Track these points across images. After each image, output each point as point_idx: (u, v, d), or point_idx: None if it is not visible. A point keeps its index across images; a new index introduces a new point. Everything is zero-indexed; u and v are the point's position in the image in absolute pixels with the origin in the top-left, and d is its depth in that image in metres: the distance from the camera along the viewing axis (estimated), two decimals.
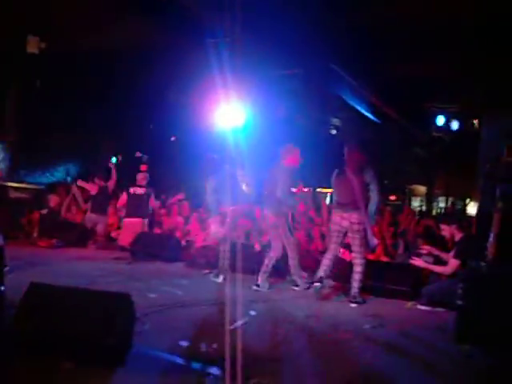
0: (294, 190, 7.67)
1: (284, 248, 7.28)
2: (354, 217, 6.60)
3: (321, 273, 6.83)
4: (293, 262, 7.29)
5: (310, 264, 7.92)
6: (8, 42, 9.72)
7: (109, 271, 7.90)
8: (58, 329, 4.00)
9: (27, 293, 4.20)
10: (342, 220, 6.71)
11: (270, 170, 7.52)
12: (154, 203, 10.21)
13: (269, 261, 7.32)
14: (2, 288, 2.57)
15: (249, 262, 8.18)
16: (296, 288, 7.29)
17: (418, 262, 7.09)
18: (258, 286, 7.23)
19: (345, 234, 6.80)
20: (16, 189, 3.93)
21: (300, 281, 7.31)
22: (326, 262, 6.87)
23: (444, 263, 6.81)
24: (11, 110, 11.92)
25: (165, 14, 8.25)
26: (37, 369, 3.70)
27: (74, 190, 10.78)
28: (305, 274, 7.42)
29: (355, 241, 6.69)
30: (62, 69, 11.05)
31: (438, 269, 6.88)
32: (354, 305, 6.59)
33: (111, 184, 10.80)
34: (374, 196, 6.59)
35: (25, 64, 10.58)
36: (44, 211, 9.59)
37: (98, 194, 10.67)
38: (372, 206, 6.61)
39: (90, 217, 10.52)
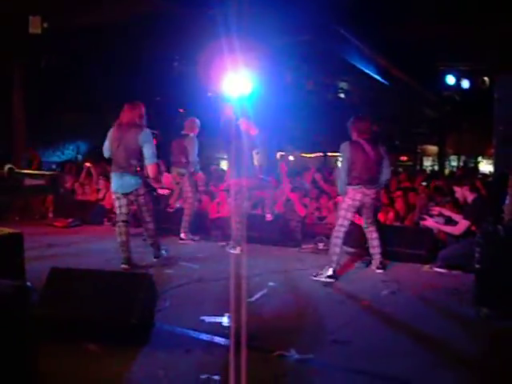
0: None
1: None
2: (373, 191, 6.46)
3: (333, 262, 6.44)
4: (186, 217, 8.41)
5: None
6: (10, 24, 9.64)
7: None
8: (80, 312, 4.07)
9: (49, 278, 4.26)
10: (365, 197, 6.41)
11: None
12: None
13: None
14: (28, 284, 2.59)
15: (261, 232, 8.29)
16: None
17: (428, 222, 7.12)
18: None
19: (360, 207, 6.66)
20: (31, 175, 3.94)
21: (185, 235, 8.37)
22: (338, 241, 6.44)
23: (455, 224, 6.81)
24: (18, 91, 11.90)
25: None
26: (63, 352, 3.76)
27: (89, 167, 10.81)
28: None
29: (370, 213, 6.64)
30: (66, 47, 11.00)
31: (447, 229, 6.90)
32: (380, 271, 6.62)
33: None
34: (386, 172, 6.53)
35: (28, 44, 10.51)
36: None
37: None
38: (382, 182, 6.61)
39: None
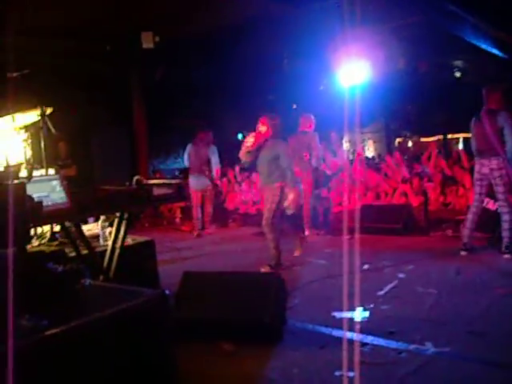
0: None
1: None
2: (494, 163, 6.30)
3: (464, 237, 6.66)
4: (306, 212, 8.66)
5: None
6: (124, 41, 10.12)
7: (252, 248, 8.09)
8: (214, 313, 4.19)
9: (182, 282, 4.43)
10: (482, 167, 6.45)
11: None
12: None
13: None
14: (167, 291, 2.71)
15: (385, 222, 8.18)
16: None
17: None
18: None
19: (488, 183, 6.49)
20: (158, 185, 4.13)
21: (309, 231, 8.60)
22: (470, 216, 6.62)
23: None
24: (137, 105, 12.47)
25: None
26: (200, 353, 3.89)
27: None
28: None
29: (498, 188, 6.38)
30: (178, 57, 11.38)
31: None
32: (506, 255, 6.31)
33: None
34: (508, 140, 6.23)
35: (142, 59, 10.99)
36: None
37: None
38: (509, 151, 6.26)
39: None
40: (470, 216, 6.62)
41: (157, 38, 9.88)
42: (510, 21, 10.68)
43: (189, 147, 9.76)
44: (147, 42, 9.85)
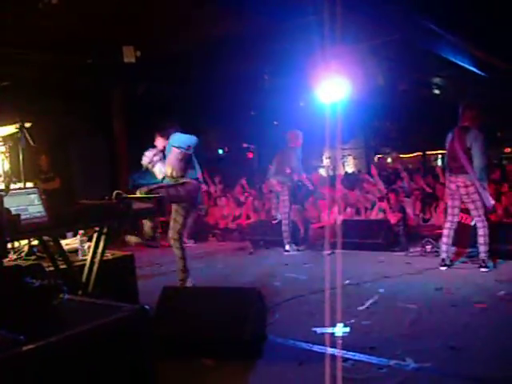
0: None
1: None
2: (460, 180, 6.43)
3: (443, 253, 6.75)
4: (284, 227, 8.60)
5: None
6: (106, 55, 10.08)
7: (232, 263, 8.08)
8: (194, 328, 4.15)
9: (161, 297, 4.39)
10: (450, 183, 6.59)
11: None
12: None
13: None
14: (146, 306, 2.68)
15: (364, 237, 8.21)
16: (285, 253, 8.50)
17: None
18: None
19: (460, 198, 6.56)
20: (138, 199, 4.08)
21: (289, 246, 8.57)
22: (446, 231, 6.70)
23: None
24: (117, 119, 12.41)
25: (253, 1, 8.21)
26: (179, 369, 3.84)
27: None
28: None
29: (469, 205, 6.49)
30: (159, 73, 11.36)
31: None
32: (483, 269, 6.37)
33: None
34: (475, 158, 6.32)
35: (124, 73, 10.95)
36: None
37: None
38: (476, 169, 6.34)
39: None
40: (445, 231, 6.71)
41: (138, 53, 9.84)
42: (488, 40, 10.85)
43: None
44: (128, 56, 9.80)
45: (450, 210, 6.70)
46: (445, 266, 6.65)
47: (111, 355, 2.47)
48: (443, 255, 6.71)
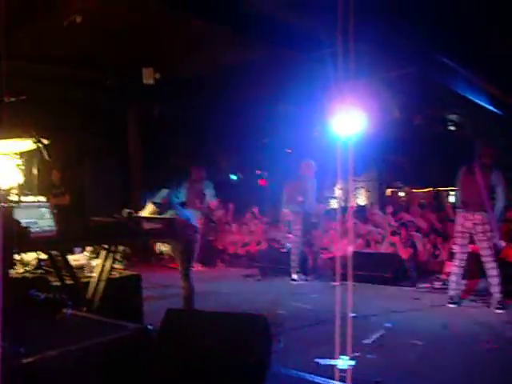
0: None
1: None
2: (478, 218, 6.34)
3: (451, 290, 6.67)
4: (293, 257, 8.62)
5: None
6: (125, 76, 10.19)
7: (239, 289, 8.03)
8: (197, 353, 4.09)
9: (165, 319, 4.33)
10: (466, 221, 6.48)
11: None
12: None
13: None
14: (149, 326, 2.65)
15: (374, 270, 8.14)
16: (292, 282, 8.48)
17: None
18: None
19: (470, 237, 6.48)
20: (149, 219, 4.09)
21: (296, 276, 8.54)
22: (455, 269, 6.61)
23: None
24: (133, 139, 12.51)
25: (268, 32, 8.28)
26: None
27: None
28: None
29: (482, 243, 6.40)
30: (177, 95, 11.46)
31: None
32: (499, 311, 6.28)
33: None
34: (499, 199, 6.27)
35: (142, 94, 11.06)
36: None
37: None
38: (497, 209, 6.28)
39: None
40: (455, 269, 6.61)
41: (157, 75, 9.95)
42: (504, 79, 10.86)
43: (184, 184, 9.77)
44: (148, 77, 9.90)
45: (459, 249, 6.60)
46: (453, 303, 6.57)
47: (110, 372, 2.44)
48: (451, 293, 6.63)
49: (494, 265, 6.34)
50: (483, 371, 4.34)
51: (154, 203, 5.61)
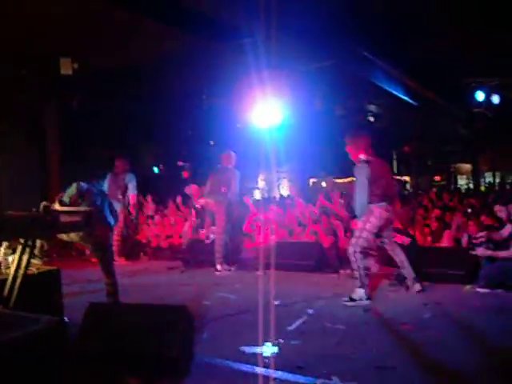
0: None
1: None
2: (391, 208, 6.54)
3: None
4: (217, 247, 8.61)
5: None
6: (42, 66, 9.88)
7: (163, 282, 7.97)
8: (120, 345, 4.05)
9: (87, 313, 4.26)
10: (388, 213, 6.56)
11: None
12: None
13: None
14: (65, 319, 2.59)
15: (297, 258, 8.26)
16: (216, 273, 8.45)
17: (479, 251, 6.89)
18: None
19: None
20: (67, 213, 3.98)
21: (220, 266, 8.53)
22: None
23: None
24: (51, 131, 12.14)
25: (190, 22, 8.22)
26: None
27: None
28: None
29: (391, 231, 6.69)
30: (96, 87, 11.22)
31: (502, 254, 6.67)
32: (417, 293, 6.51)
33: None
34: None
35: (60, 85, 10.74)
36: None
37: None
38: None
39: None
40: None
41: (75, 65, 9.69)
42: (420, 70, 11.24)
43: (108, 176, 9.68)
44: (66, 68, 9.64)
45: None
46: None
47: (24, 367, 2.37)
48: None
49: (398, 247, 6.60)
50: (401, 350, 4.49)
51: (61, 202, 5.41)
